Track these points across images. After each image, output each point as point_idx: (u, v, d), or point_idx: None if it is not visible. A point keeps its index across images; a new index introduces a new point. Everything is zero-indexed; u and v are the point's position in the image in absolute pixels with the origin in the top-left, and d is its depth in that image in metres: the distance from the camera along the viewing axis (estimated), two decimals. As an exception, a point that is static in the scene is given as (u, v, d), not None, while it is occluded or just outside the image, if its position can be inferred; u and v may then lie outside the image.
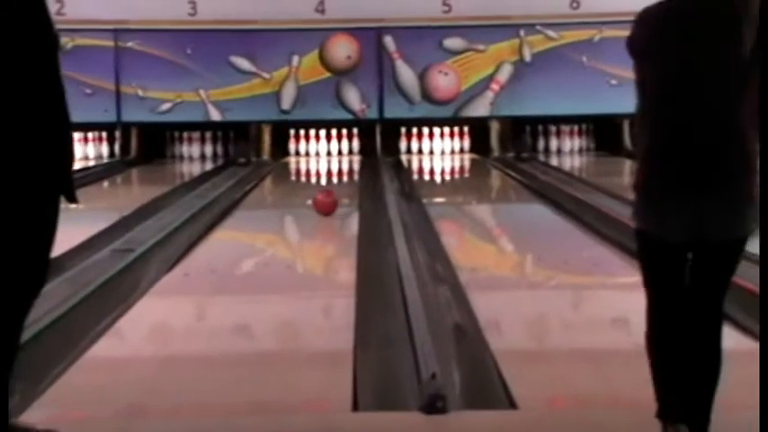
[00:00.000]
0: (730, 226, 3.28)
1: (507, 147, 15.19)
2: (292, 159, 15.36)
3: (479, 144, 15.44)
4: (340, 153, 15.41)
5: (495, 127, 15.42)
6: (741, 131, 3.29)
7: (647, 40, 3.38)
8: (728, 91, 3.29)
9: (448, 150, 15.50)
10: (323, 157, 15.40)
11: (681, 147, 3.30)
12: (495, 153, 15.19)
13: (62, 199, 3.48)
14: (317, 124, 15.36)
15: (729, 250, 3.34)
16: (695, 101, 3.30)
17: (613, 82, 14.58)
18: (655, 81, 3.36)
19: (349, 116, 15.22)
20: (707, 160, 3.29)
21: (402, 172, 13.47)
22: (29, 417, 3.84)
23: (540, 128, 15.38)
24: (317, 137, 15.50)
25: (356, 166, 14.49)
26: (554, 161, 14.47)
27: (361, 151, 15.39)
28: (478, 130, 15.44)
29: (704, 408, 3.35)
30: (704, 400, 3.35)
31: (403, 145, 15.52)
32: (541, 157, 14.86)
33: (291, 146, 15.53)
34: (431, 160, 15.20)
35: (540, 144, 15.47)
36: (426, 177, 13.93)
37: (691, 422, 3.39)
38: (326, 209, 9.38)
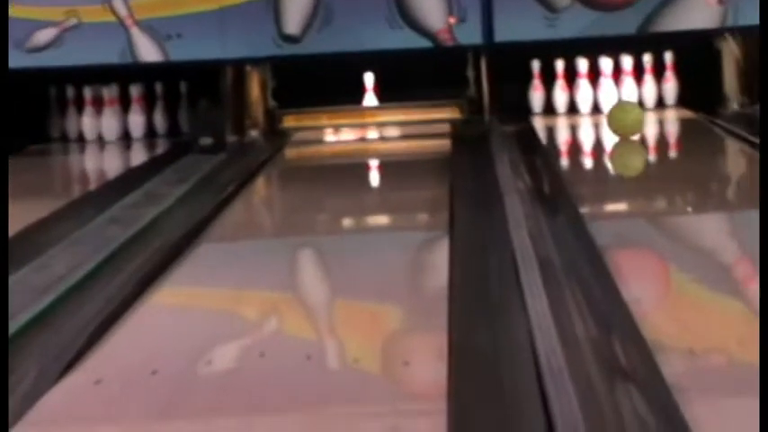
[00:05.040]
0: None
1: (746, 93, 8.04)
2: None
3: (696, 88, 8.21)
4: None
5: (729, 51, 8.09)
6: None
7: None
8: None
9: (635, 98, 8.07)
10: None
11: None
12: (734, 104, 7.96)
13: None
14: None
15: None
16: None
17: None
18: None
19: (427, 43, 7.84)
20: None
21: (537, 150, 6.71)
22: None
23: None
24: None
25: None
26: None
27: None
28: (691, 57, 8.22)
29: None
30: None
31: (536, 96, 8.32)
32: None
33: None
34: (595, 124, 7.85)
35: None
36: (587, 163, 6.94)
37: None
38: None
